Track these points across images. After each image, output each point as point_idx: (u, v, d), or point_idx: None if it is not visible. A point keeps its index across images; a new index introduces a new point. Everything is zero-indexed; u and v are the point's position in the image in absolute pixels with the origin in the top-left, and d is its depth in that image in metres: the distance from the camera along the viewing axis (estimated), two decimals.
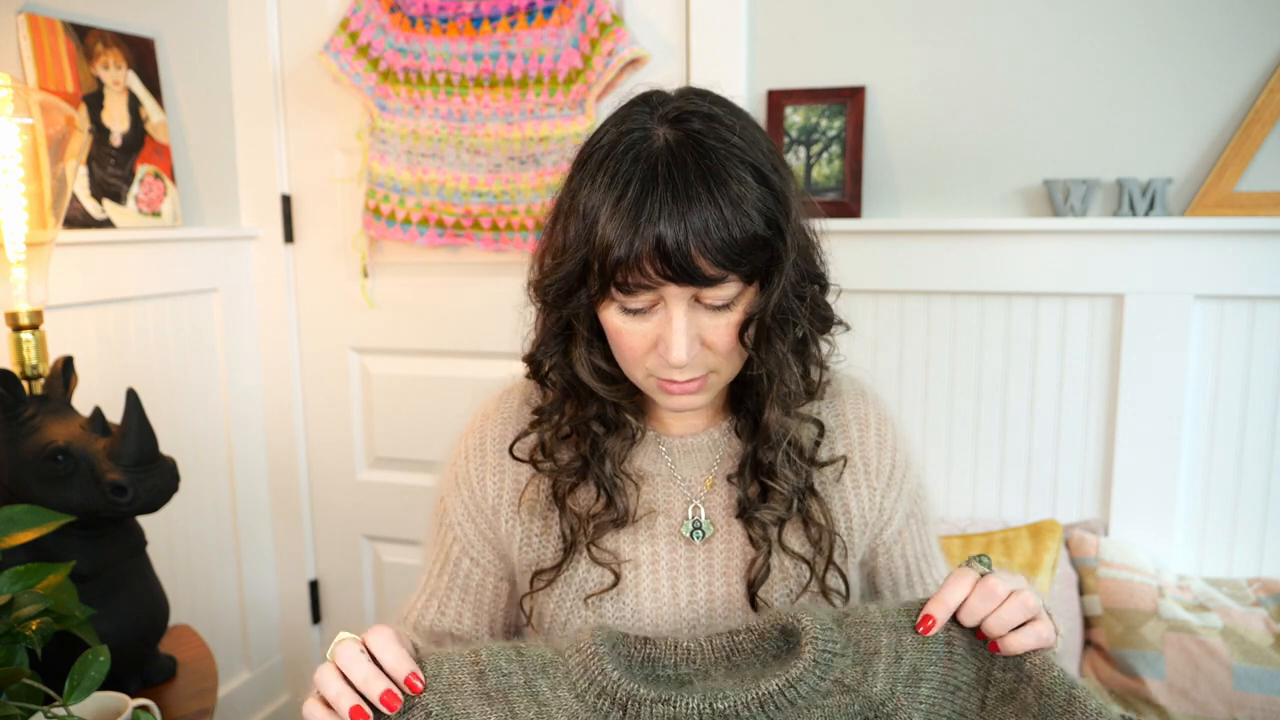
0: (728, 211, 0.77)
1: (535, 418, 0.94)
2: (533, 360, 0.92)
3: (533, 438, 0.95)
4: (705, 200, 0.77)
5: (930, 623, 0.75)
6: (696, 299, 0.81)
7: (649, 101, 0.84)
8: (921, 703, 0.73)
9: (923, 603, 0.76)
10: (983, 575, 0.76)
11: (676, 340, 0.80)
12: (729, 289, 0.80)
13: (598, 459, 0.91)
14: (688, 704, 0.71)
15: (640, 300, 0.81)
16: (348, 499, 2.17)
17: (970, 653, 0.75)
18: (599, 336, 0.89)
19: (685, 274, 0.78)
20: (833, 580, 0.92)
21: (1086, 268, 1.61)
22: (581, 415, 0.91)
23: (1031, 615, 0.74)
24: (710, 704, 0.71)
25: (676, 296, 0.80)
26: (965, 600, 0.75)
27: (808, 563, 0.91)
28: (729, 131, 0.81)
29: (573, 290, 0.84)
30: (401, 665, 0.73)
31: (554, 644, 0.77)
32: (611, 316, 0.84)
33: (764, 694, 0.71)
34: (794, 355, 0.88)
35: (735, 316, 0.83)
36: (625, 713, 0.72)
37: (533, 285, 0.90)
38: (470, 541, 0.99)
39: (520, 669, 0.75)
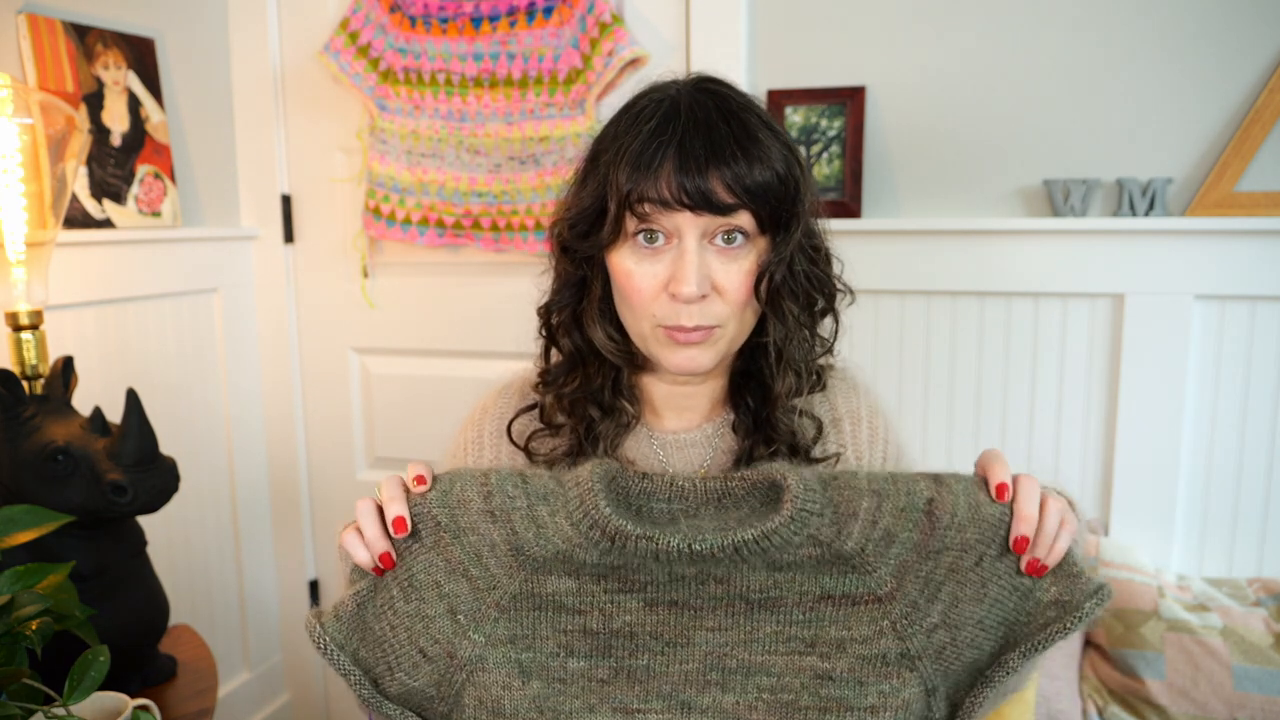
0: (750, 148, 0.82)
1: (539, 380, 0.96)
2: (545, 311, 0.95)
3: (526, 422, 0.97)
4: (726, 135, 0.81)
5: (1004, 491, 0.77)
6: (709, 240, 0.84)
7: (664, 82, 0.89)
8: (891, 559, 0.78)
9: (912, 476, 0.79)
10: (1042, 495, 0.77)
11: (688, 272, 0.82)
12: (742, 222, 0.83)
13: (591, 441, 0.92)
14: (669, 541, 0.76)
15: (655, 223, 0.83)
16: (348, 499, 2.16)
17: (950, 524, 0.78)
18: (609, 304, 0.91)
19: (702, 197, 0.80)
20: None
21: (1086, 268, 1.61)
22: (585, 387, 0.93)
23: (1063, 515, 0.77)
24: (690, 545, 0.76)
25: (690, 228, 0.82)
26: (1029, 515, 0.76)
27: None
28: (740, 95, 0.86)
29: (592, 227, 0.86)
30: (379, 543, 0.79)
31: (557, 476, 0.81)
32: (623, 259, 0.85)
33: (739, 541, 0.75)
34: (804, 323, 0.90)
35: (747, 264, 0.85)
36: (613, 544, 0.76)
37: (553, 229, 0.92)
38: None
39: (524, 494, 0.80)
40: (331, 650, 0.80)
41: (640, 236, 0.84)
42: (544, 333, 0.96)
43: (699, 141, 0.81)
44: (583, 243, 0.88)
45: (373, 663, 0.81)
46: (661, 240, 0.84)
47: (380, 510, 0.80)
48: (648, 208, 0.82)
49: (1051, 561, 0.76)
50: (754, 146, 0.82)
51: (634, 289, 0.85)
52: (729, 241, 0.84)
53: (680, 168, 0.80)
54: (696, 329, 0.85)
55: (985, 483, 0.78)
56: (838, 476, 0.80)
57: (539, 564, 0.79)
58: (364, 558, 0.79)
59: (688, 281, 0.82)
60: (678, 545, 0.75)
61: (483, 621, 0.80)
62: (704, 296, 0.84)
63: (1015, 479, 0.77)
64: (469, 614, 0.80)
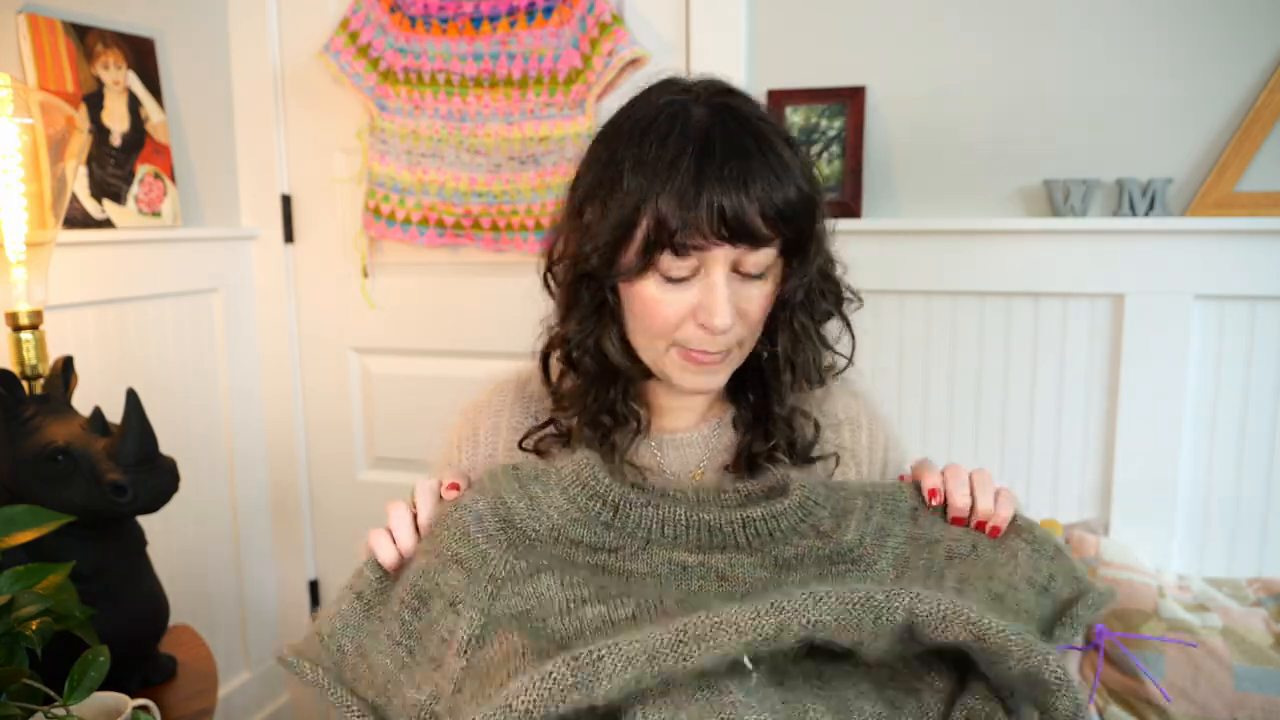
0: (781, 173, 0.80)
1: (557, 406, 0.93)
2: (563, 341, 0.91)
3: (529, 427, 0.96)
4: (759, 164, 0.80)
5: (935, 495, 0.83)
6: (735, 268, 0.83)
7: (670, 85, 0.86)
8: (889, 551, 0.80)
9: (897, 483, 0.85)
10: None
11: (720, 306, 0.81)
12: (768, 255, 0.83)
13: (606, 451, 0.90)
14: (675, 511, 0.77)
15: (685, 266, 0.81)
16: (348, 499, 2.17)
17: (934, 520, 0.83)
18: (622, 323, 0.90)
19: (741, 233, 0.79)
20: None
21: (1086, 268, 1.61)
22: (600, 401, 0.91)
23: (996, 487, 0.82)
24: (697, 514, 0.77)
25: (720, 262, 0.81)
26: (943, 486, 0.83)
27: None
28: (756, 109, 0.85)
29: (614, 258, 0.83)
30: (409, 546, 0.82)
31: (548, 462, 0.84)
32: (648, 287, 0.83)
33: (747, 517, 0.77)
34: (812, 332, 0.91)
35: (768, 286, 0.85)
36: (615, 514, 0.78)
37: (567, 258, 0.88)
38: None
39: (515, 479, 0.81)
40: (326, 682, 0.76)
41: (669, 267, 0.82)
42: (564, 362, 0.92)
43: (735, 172, 0.78)
44: (607, 271, 0.84)
45: (373, 678, 0.76)
46: (687, 270, 0.82)
47: (414, 516, 0.82)
48: (688, 244, 0.79)
49: (999, 522, 0.80)
50: (784, 173, 0.80)
51: (660, 315, 0.83)
52: (754, 271, 0.84)
53: (721, 203, 0.78)
54: (718, 353, 0.85)
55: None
56: (830, 483, 0.83)
57: (530, 541, 0.77)
58: (389, 555, 0.81)
59: (721, 314, 0.81)
60: (684, 514, 0.75)
61: (479, 598, 0.74)
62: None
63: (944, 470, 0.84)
64: (466, 600, 0.74)
